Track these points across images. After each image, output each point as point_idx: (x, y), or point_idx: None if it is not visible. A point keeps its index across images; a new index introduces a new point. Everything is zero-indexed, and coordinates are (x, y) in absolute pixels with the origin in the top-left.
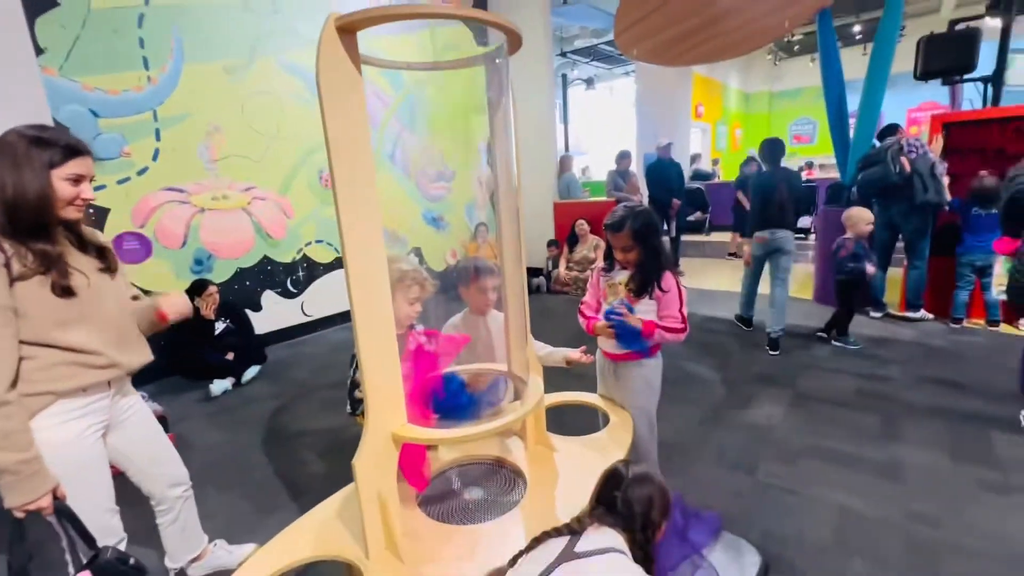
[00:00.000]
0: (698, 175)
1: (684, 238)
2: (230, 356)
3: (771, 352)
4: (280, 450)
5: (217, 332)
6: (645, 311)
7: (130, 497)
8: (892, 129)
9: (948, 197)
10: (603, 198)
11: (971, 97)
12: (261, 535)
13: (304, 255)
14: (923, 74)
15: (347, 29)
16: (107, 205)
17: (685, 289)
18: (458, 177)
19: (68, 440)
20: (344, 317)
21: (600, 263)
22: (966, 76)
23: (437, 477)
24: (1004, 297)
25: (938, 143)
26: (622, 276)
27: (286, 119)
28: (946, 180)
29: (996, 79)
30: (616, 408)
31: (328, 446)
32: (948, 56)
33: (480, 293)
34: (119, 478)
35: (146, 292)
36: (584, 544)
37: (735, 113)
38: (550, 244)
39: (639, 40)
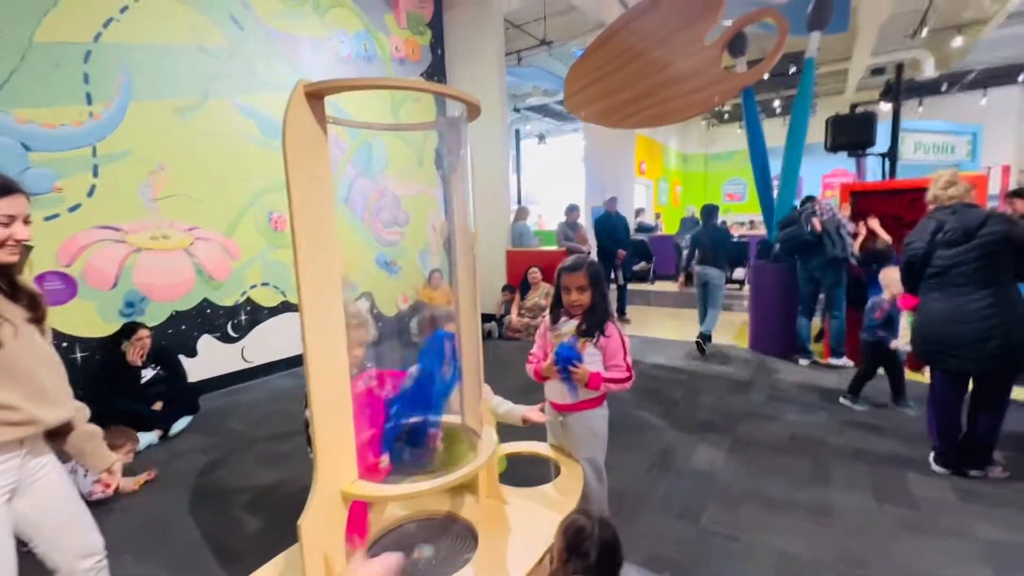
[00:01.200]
0: (642, 228)
1: (630, 287)
2: (158, 406)
3: (702, 345)
4: (211, 510)
5: (145, 380)
6: (591, 362)
7: (31, 572)
8: (810, 199)
9: (853, 251)
10: (554, 247)
11: (873, 168)
12: None
13: (248, 298)
14: (832, 147)
15: (315, 95)
16: (32, 243)
17: (628, 338)
18: (412, 222)
19: None
20: (288, 363)
21: (547, 315)
22: (867, 151)
23: (387, 534)
24: (908, 348)
25: (846, 209)
26: (569, 326)
27: (237, 160)
28: (853, 239)
29: (892, 154)
30: (566, 458)
31: (266, 504)
32: (851, 133)
33: None
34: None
35: (65, 336)
36: None
37: (675, 171)
38: (504, 288)
39: (587, 103)
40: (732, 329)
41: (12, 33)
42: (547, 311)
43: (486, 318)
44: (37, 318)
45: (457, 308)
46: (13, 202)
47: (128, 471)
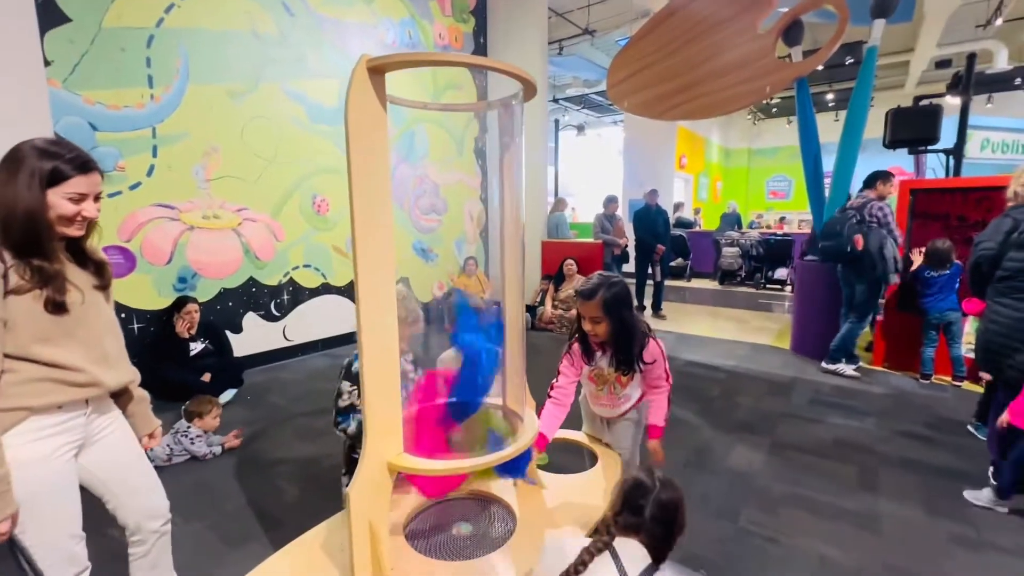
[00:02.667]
0: (681, 223)
1: (667, 283)
2: (206, 377)
3: None
4: (253, 479)
5: (194, 352)
6: (636, 388)
7: (98, 522)
8: (880, 176)
9: (893, 273)
10: (590, 239)
11: (932, 166)
12: (230, 569)
13: (291, 278)
14: (891, 143)
15: (378, 70)
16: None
17: (662, 342)
18: (450, 211)
19: (37, 459)
20: (325, 343)
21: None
22: (930, 147)
23: (426, 509)
24: (971, 355)
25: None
26: (606, 361)
27: (284, 143)
28: (899, 251)
29: (957, 151)
30: (603, 448)
31: (303, 475)
32: (913, 128)
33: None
34: (90, 501)
35: (123, 308)
36: (631, 565)
37: (716, 166)
38: (544, 279)
39: (630, 93)
40: (772, 331)
41: (84, 19)
42: (574, 338)
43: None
44: (103, 285)
45: (503, 295)
46: (89, 180)
47: (224, 429)
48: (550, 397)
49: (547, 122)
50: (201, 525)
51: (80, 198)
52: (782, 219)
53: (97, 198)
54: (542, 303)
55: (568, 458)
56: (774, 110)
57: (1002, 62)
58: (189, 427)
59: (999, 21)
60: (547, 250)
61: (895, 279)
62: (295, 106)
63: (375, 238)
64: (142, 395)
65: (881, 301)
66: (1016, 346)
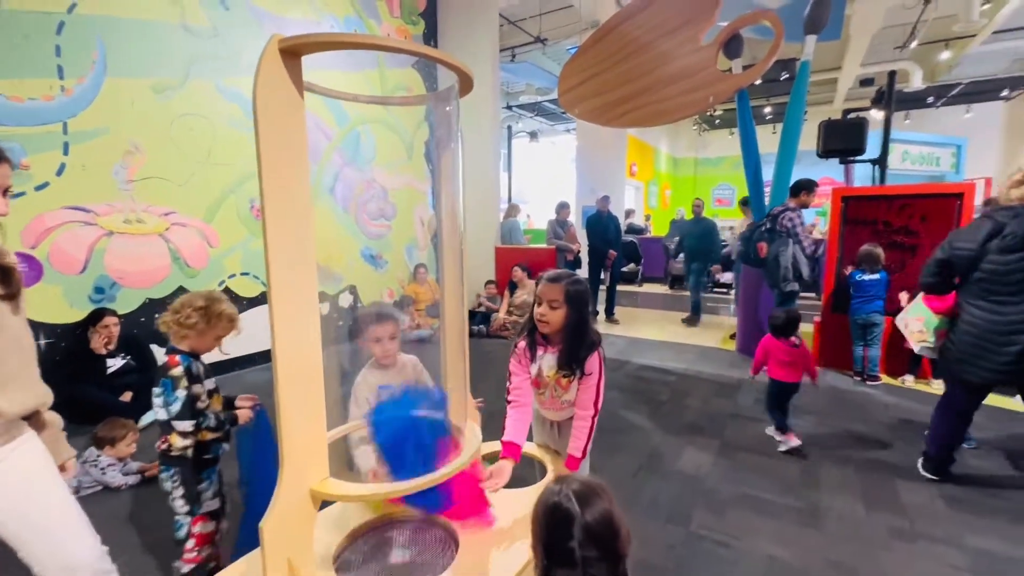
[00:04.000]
0: (632, 229)
1: (618, 288)
2: (127, 396)
3: None
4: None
5: (113, 369)
6: (572, 392)
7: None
8: (804, 185)
9: (787, 282)
10: (543, 245)
11: (860, 176)
12: None
13: (226, 287)
14: (824, 152)
15: (291, 52)
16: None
17: (603, 364)
18: (400, 216)
19: None
20: (266, 357)
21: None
22: (857, 157)
23: (363, 535)
24: (928, 354)
25: (818, 231)
26: (549, 362)
27: (219, 144)
28: (811, 257)
29: (882, 162)
30: (555, 457)
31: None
32: (843, 138)
33: (375, 343)
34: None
35: (29, 322)
36: None
37: (665, 175)
38: (489, 283)
39: (580, 100)
40: (719, 333)
41: None
42: (521, 334)
43: (472, 316)
44: (9, 294)
45: (443, 300)
46: None
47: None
48: (509, 402)
49: (500, 128)
50: (112, 563)
51: None
52: (731, 228)
53: (5, 192)
54: (485, 305)
55: (516, 468)
56: (718, 121)
57: (917, 82)
58: (99, 455)
59: (914, 43)
60: (501, 256)
61: (791, 287)
62: (230, 105)
63: (292, 242)
64: (53, 420)
65: (818, 303)
66: (991, 348)
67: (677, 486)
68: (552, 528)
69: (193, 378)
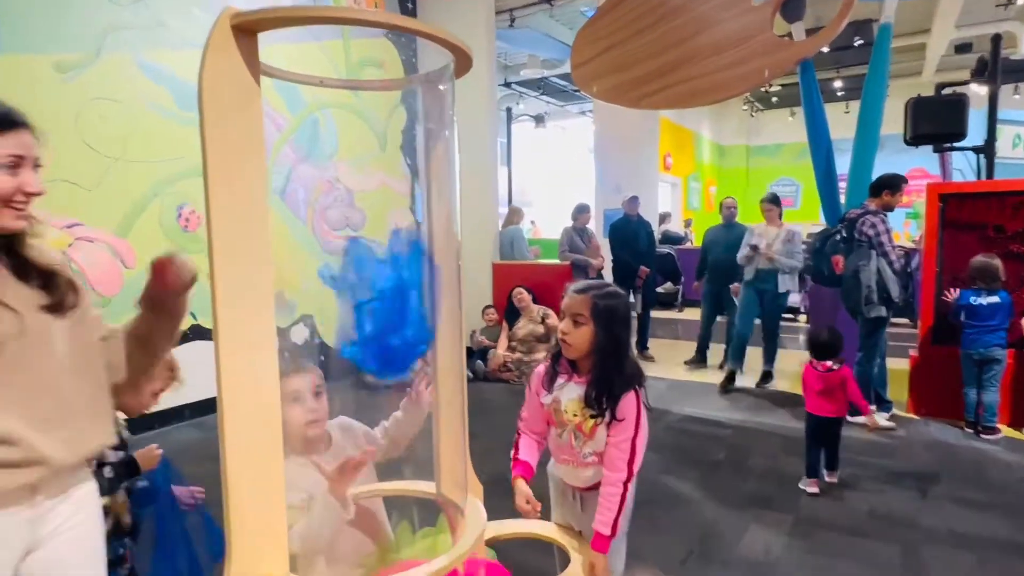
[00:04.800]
0: (668, 238)
1: (653, 314)
2: None
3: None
4: None
5: None
6: (602, 440)
7: None
8: (888, 183)
9: (874, 305)
10: (554, 260)
11: (960, 167)
12: None
13: None
14: (913, 139)
15: (246, 29)
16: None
17: (645, 416)
18: (370, 225)
19: None
20: (196, 410)
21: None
22: (956, 144)
23: None
24: None
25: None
26: (572, 393)
27: (138, 136)
28: (901, 275)
29: (988, 149)
30: (579, 541)
31: None
32: (937, 121)
33: (292, 403)
34: None
35: None
36: None
37: (709, 167)
38: (487, 309)
39: (599, 76)
40: (786, 372)
41: None
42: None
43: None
44: (56, 304)
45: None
46: (17, 139)
47: None
48: (520, 433)
49: (496, 112)
50: None
51: (15, 162)
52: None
53: (37, 165)
54: (482, 338)
55: (531, 555)
56: (775, 99)
57: None
58: None
59: (1021, 0)
60: (500, 274)
61: (876, 312)
62: (154, 87)
63: (245, 265)
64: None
65: (914, 331)
66: None
67: None
68: None
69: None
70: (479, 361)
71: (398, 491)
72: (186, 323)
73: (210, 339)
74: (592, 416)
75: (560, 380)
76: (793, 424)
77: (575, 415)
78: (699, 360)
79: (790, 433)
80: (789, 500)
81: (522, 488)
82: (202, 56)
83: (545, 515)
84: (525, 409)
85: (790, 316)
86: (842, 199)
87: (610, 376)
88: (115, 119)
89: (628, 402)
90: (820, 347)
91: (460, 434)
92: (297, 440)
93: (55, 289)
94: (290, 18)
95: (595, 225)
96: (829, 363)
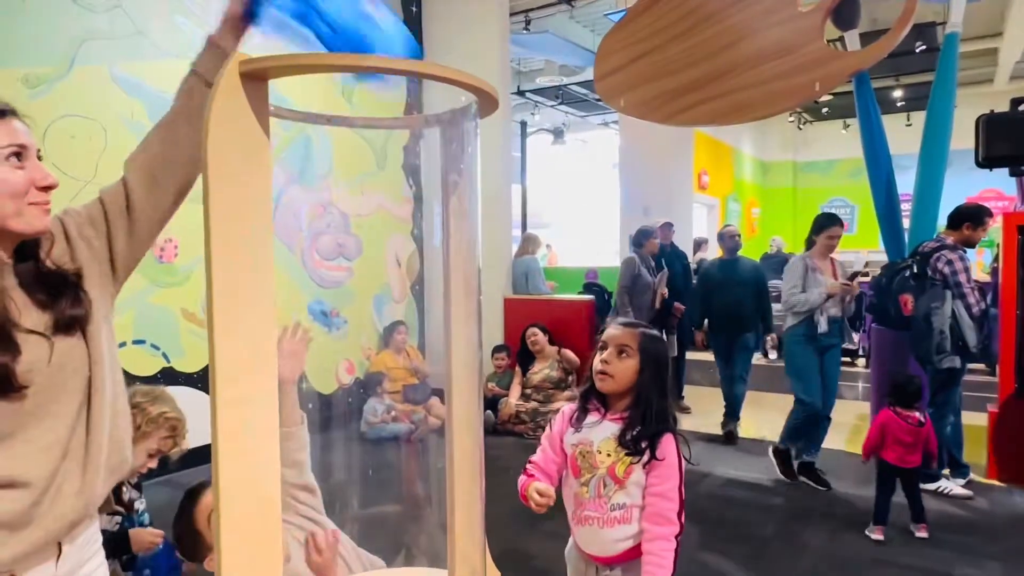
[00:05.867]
0: None
1: (688, 356)
2: None
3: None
4: None
5: None
6: (635, 498)
7: None
8: (971, 216)
9: (946, 356)
10: (573, 296)
11: None
12: None
13: None
14: (986, 159)
15: (256, 76)
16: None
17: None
18: (367, 254)
19: None
20: (177, 465)
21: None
22: None
23: None
24: None
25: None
26: (605, 432)
27: (112, 155)
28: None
29: None
30: None
31: None
32: (1014, 140)
33: None
34: None
35: None
36: None
37: (751, 186)
38: (497, 350)
39: (627, 88)
40: (845, 425)
41: None
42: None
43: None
44: (72, 319)
45: (448, 393)
46: (7, 127)
47: None
48: (526, 474)
49: (510, 125)
50: None
51: (17, 151)
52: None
53: (39, 156)
54: (496, 384)
55: None
56: (825, 110)
57: None
58: None
59: None
60: (512, 311)
61: (949, 362)
62: (130, 100)
63: (247, 324)
64: None
65: (992, 380)
66: None
67: None
68: None
69: None
70: (488, 411)
71: None
72: (157, 365)
73: (184, 384)
74: (627, 454)
75: (591, 418)
76: (854, 491)
77: (608, 455)
78: (731, 421)
79: (852, 500)
80: None
81: (536, 485)
82: (208, 106)
83: None
84: (538, 454)
85: (847, 359)
86: (905, 223)
87: (650, 413)
88: (87, 138)
89: (668, 443)
90: (909, 396)
91: (476, 505)
92: None
93: (58, 298)
94: (305, 65)
95: (614, 253)
96: (917, 415)
